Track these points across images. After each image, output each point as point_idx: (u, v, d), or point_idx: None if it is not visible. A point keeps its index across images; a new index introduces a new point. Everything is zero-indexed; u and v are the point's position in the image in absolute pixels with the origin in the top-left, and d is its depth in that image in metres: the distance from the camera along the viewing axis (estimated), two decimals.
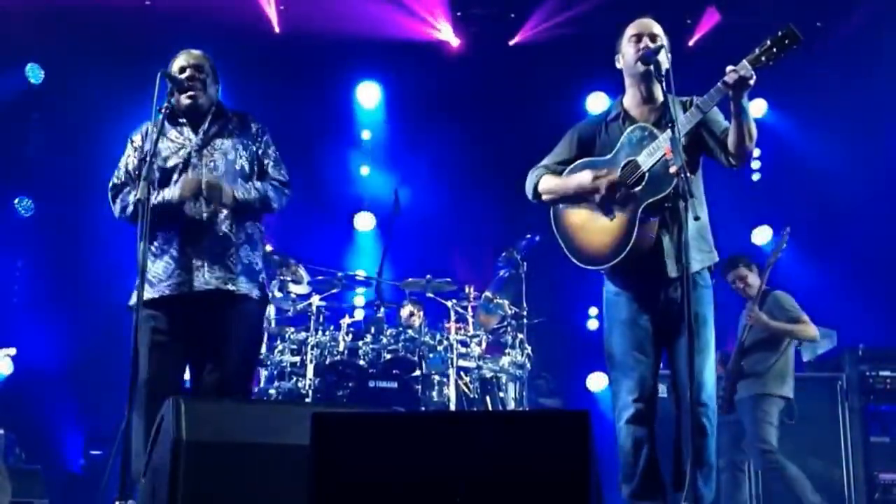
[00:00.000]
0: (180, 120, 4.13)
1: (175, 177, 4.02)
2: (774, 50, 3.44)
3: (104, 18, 8.59)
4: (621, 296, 3.88)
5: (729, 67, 3.51)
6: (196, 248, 3.96)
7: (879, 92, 8.30)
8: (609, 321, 3.93)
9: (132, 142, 4.20)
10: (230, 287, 3.97)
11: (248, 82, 8.87)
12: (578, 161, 4.00)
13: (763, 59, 3.46)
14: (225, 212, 4.00)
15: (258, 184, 4.15)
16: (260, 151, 4.23)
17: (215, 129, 4.15)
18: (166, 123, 4.09)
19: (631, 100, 3.95)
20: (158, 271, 3.99)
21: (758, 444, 6.00)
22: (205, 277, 3.94)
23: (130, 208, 4.06)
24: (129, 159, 4.19)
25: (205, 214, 3.97)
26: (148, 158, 3.85)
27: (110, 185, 4.20)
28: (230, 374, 3.98)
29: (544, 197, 4.05)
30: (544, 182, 4.03)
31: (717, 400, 6.09)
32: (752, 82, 3.48)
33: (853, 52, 8.39)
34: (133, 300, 3.97)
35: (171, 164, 4.04)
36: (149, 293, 3.95)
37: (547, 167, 4.09)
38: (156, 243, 4.01)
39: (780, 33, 3.44)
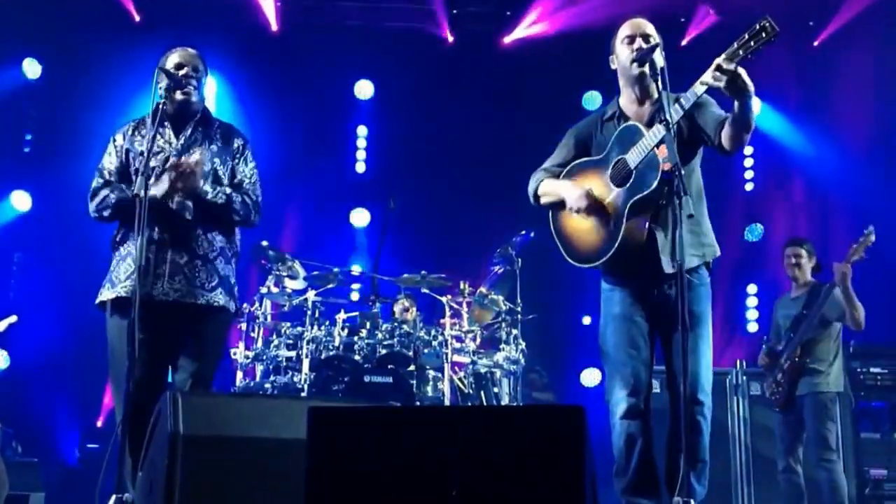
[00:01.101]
0: (164, 122, 4.07)
1: (151, 181, 3.91)
2: (752, 43, 3.41)
3: (102, 14, 8.62)
4: (616, 292, 3.91)
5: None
6: (161, 257, 3.90)
7: (872, 90, 8.34)
8: (604, 317, 3.96)
9: (114, 141, 4.16)
10: (199, 301, 3.94)
11: (247, 79, 8.92)
12: (575, 162, 4.05)
13: (741, 52, 3.43)
14: (191, 222, 3.96)
15: (227, 189, 4.07)
16: (238, 167, 4.16)
17: (197, 136, 4.11)
18: (150, 125, 4.06)
19: (626, 99, 3.98)
20: (120, 273, 3.96)
21: (819, 450, 5.85)
22: (163, 287, 3.88)
23: (109, 211, 4.01)
24: (109, 159, 4.14)
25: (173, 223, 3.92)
26: (145, 154, 3.82)
27: (91, 188, 4.12)
28: (198, 375, 3.94)
29: (542, 200, 4.11)
30: (542, 186, 4.09)
31: (775, 396, 6.12)
32: (734, 72, 3.43)
33: (845, 51, 8.44)
34: (101, 298, 3.99)
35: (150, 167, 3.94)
36: (110, 293, 3.96)
37: (547, 170, 4.13)
38: (124, 246, 4.00)
39: (756, 26, 3.42)
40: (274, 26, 9.08)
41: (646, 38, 3.86)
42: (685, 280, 3.49)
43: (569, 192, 3.93)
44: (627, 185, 3.77)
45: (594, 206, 3.84)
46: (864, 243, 5.89)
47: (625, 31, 3.92)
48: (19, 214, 8.80)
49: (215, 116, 4.31)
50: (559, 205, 4.02)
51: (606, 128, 3.99)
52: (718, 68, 3.45)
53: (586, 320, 9.36)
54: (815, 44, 8.69)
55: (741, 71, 3.45)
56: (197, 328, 3.98)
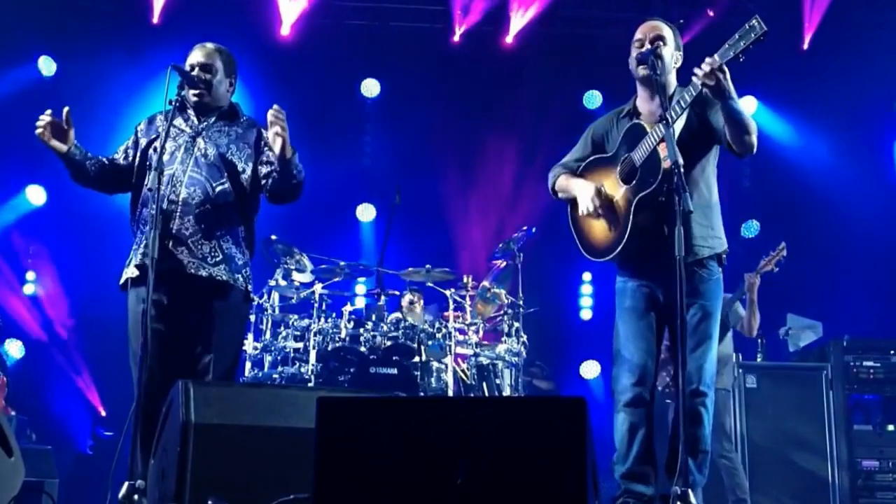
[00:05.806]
0: (188, 109, 4.20)
1: (167, 159, 4.01)
2: (742, 43, 3.48)
3: (116, 13, 8.73)
4: (627, 285, 4.01)
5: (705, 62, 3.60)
6: (170, 229, 3.95)
7: (863, 87, 8.38)
8: (617, 309, 4.07)
9: (138, 125, 4.29)
10: (201, 273, 3.99)
11: (256, 76, 9.01)
12: (590, 158, 4.17)
13: (731, 53, 3.51)
14: (199, 197, 4.01)
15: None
16: (262, 162, 4.22)
17: (220, 124, 4.20)
18: (164, 120, 4.13)
19: (640, 97, 4.08)
20: (138, 251, 4.04)
21: (723, 441, 6.10)
22: (174, 259, 3.94)
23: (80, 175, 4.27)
24: (128, 142, 4.29)
25: (181, 196, 3.99)
26: (158, 150, 3.91)
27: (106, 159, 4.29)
28: (211, 362, 3.98)
29: (559, 195, 4.24)
30: (559, 182, 4.22)
31: (669, 389, 6.31)
32: (723, 75, 3.51)
33: (839, 50, 8.53)
34: (123, 278, 4.07)
35: (167, 149, 4.03)
36: (128, 273, 4.04)
37: (565, 165, 4.26)
38: (141, 226, 4.08)
39: (746, 26, 3.49)
40: (283, 26, 9.18)
41: (653, 40, 3.93)
42: (697, 274, 3.68)
43: (580, 193, 4.04)
44: (633, 182, 3.88)
45: (603, 207, 3.96)
46: (775, 257, 6.24)
47: (637, 34, 4.02)
48: (34, 208, 8.89)
49: (244, 113, 4.37)
50: (575, 201, 4.13)
51: (621, 124, 4.09)
52: (704, 71, 3.53)
53: (586, 315, 9.50)
54: (805, 46, 8.75)
55: (720, 74, 3.51)
56: (206, 309, 4.00)
